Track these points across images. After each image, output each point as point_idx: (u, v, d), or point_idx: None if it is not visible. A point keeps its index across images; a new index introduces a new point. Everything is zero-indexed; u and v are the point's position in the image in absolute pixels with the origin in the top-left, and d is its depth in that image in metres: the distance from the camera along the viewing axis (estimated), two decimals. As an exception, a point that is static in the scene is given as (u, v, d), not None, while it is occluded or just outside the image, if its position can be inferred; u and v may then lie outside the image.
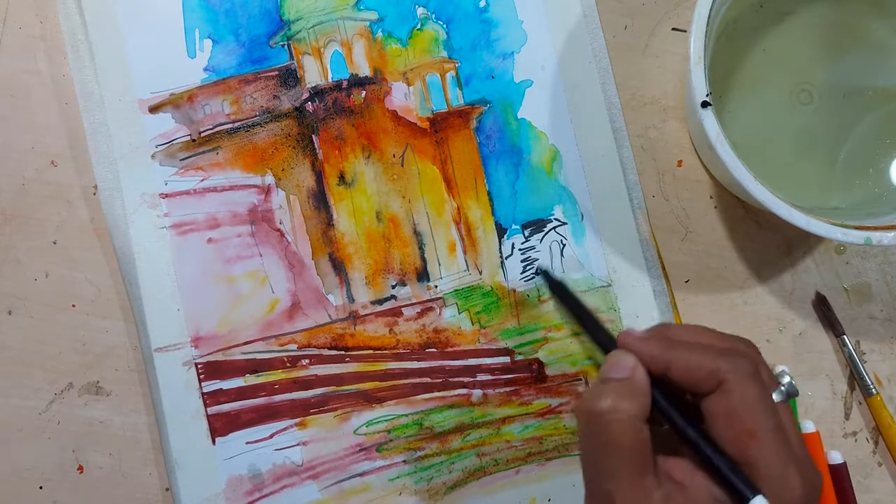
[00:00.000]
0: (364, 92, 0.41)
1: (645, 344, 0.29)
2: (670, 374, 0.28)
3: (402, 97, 0.41)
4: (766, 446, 0.27)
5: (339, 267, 0.40)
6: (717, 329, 0.40)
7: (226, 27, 0.40)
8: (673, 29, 0.42)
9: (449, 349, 0.40)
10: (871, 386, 0.41)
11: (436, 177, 0.41)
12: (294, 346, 0.40)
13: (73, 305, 0.40)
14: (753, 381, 0.27)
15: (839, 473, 0.40)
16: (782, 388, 0.29)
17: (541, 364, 0.40)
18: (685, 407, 0.29)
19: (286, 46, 0.40)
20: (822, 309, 0.42)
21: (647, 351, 0.29)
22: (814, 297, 0.42)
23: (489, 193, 0.41)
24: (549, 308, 0.41)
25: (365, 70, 0.41)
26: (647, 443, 0.27)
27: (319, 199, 0.40)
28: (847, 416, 0.42)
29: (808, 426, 0.40)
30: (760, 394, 0.27)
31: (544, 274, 0.36)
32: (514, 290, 0.40)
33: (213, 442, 0.39)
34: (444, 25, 0.41)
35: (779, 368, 0.41)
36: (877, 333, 0.42)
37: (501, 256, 0.41)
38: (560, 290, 0.36)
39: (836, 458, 0.40)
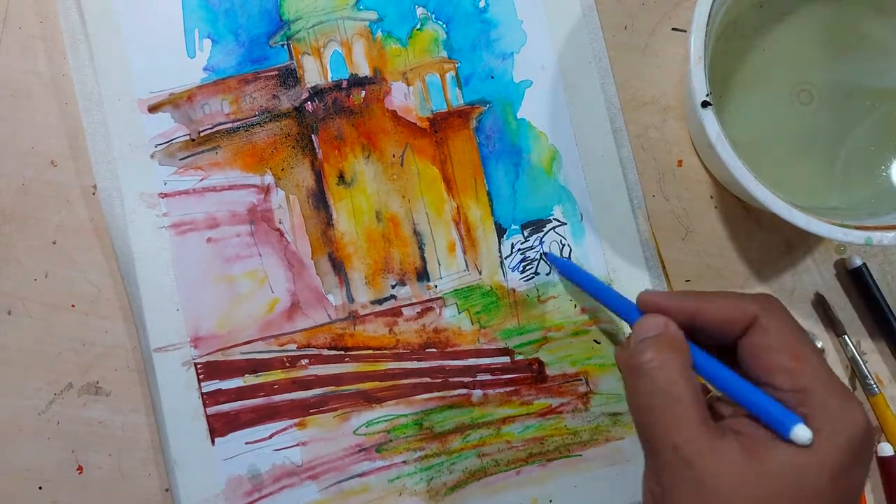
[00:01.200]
0: (364, 92, 0.41)
1: (668, 298, 0.30)
2: (699, 322, 0.28)
3: (402, 97, 0.41)
4: (816, 369, 0.26)
5: (338, 267, 0.40)
6: None
7: (225, 27, 0.40)
8: (673, 29, 0.42)
9: (449, 349, 0.40)
10: (874, 385, 0.41)
11: (435, 177, 0.41)
12: (293, 346, 0.40)
13: (73, 305, 0.40)
14: (786, 316, 0.28)
15: (891, 466, 0.40)
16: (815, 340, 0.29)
17: (541, 364, 0.40)
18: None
19: (286, 46, 0.40)
20: (823, 309, 0.42)
21: (673, 304, 0.29)
22: (813, 297, 0.42)
23: (489, 193, 0.41)
24: (550, 308, 0.41)
25: (365, 70, 0.41)
26: (699, 392, 0.27)
27: (319, 199, 0.40)
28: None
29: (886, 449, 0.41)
30: (795, 326, 0.27)
31: (549, 256, 0.37)
32: (514, 290, 0.40)
33: (213, 442, 0.39)
34: (444, 25, 0.41)
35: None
36: (878, 333, 0.42)
37: (501, 256, 0.41)
38: (569, 270, 0.37)
39: (886, 450, 0.40)
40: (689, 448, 0.26)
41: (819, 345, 0.30)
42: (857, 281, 0.41)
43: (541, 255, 0.40)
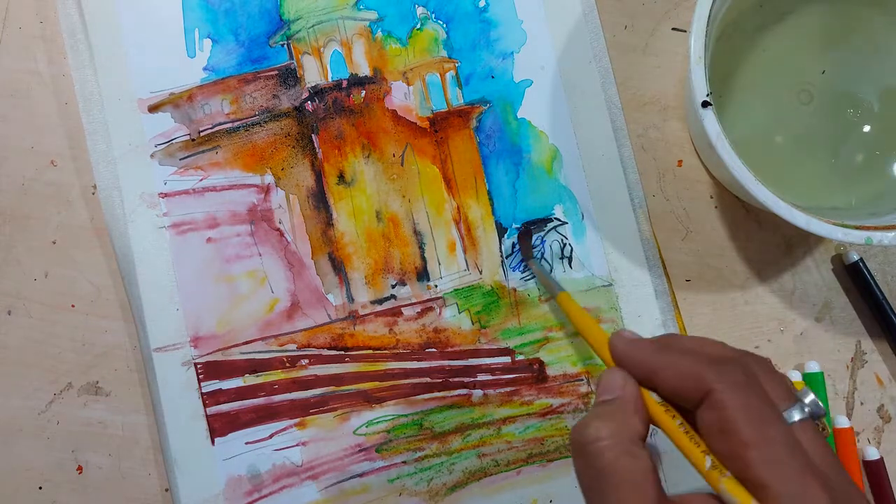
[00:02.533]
0: (364, 91, 0.41)
1: (633, 347, 0.27)
2: (658, 383, 0.26)
3: (402, 97, 0.41)
4: (772, 459, 0.23)
5: (338, 266, 0.40)
6: (718, 331, 0.39)
7: (225, 27, 0.40)
8: (673, 29, 0.42)
9: (449, 349, 0.40)
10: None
11: (436, 176, 0.41)
12: (293, 346, 0.40)
13: (73, 305, 0.40)
14: (746, 390, 0.24)
15: (876, 470, 0.40)
16: (805, 407, 0.25)
17: (542, 364, 0.40)
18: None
19: (286, 46, 0.40)
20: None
21: (634, 355, 0.27)
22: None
23: (489, 193, 0.41)
24: (550, 307, 0.40)
25: (365, 70, 0.41)
26: (648, 471, 0.24)
27: (319, 199, 0.40)
28: (850, 417, 0.41)
29: (842, 421, 0.40)
30: (756, 403, 0.24)
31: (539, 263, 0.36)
32: (515, 290, 0.40)
33: (213, 442, 0.39)
34: (444, 25, 0.41)
35: (803, 387, 0.40)
36: (877, 333, 0.42)
37: (502, 256, 0.40)
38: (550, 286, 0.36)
39: (872, 454, 0.40)
40: None
41: (811, 398, 0.25)
42: (856, 278, 0.41)
43: (537, 256, 0.40)
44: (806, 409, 0.25)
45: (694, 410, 0.25)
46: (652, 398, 0.27)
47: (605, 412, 0.26)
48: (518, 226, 0.40)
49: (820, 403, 0.26)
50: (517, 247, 0.40)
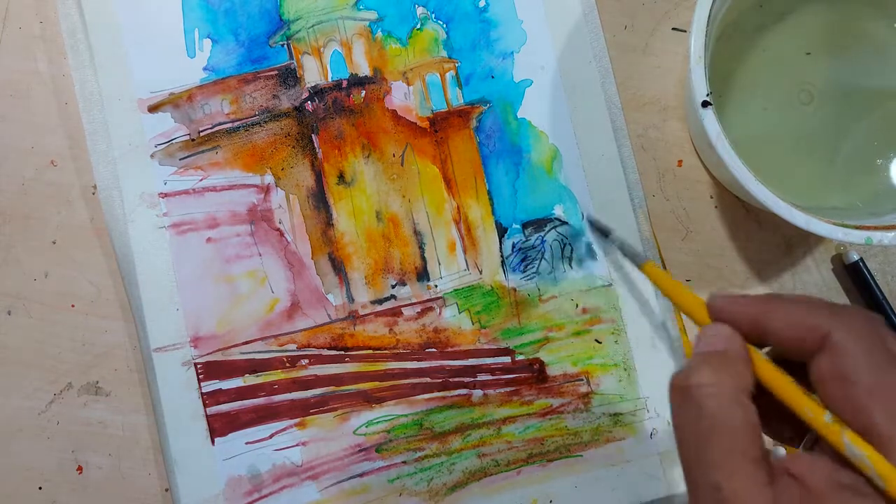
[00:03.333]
0: (364, 91, 0.41)
1: (734, 302, 0.26)
2: (768, 336, 0.25)
3: (402, 97, 0.41)
4: (894, 409, 0.21)
5: (338, 266, 0.40)
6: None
7: (225, 27, 0.40)
8: (673, 29, 0.42)
9: (449, 349, 0.40)
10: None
11: (436, 176, 0.41)
12: (293, 346, 0.40)
13: (73, 305, 0.40)
14: (868, 337, 0.23)
15: None
16: None
17: (542, 364, 0.40)
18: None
19: (286, 46, 0.40)
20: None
21: (740, 309, 0.25)
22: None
23: (489, 193, 0.41)
24: (550, 307, 0.40)
25: (365, 70, 0.41)
26: (754, 425, 0.23)
27: (319, 199, 0.40)
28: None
29: None
30: (880, 351, 0.22)
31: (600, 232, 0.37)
32: (515, 290, 0.40)
33: (213, 442, 0.39)
34: (444, 25, 0.41)
35: None
36: (878, 333, 0.42)
37: (502, 256, 0.40)
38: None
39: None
40: (732, 490, 0.22)
41: None
42: (856, 278, 0.41)
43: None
44: None
45: (806, 360, 0.24)
46: (758, 353, 0.25)
47: (712, 359, 0.24)
48: (587, 218, 0.40)
49: None
50: (593, 232, 0.40)
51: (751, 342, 0.26)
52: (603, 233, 0.40)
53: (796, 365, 0.25)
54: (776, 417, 0.26)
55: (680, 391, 0.24)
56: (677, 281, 0.32)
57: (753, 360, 0.25)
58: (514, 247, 0.41)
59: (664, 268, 0.41)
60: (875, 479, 0.22)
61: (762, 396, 0.25)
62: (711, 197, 0.42)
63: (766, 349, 0.26)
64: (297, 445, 0.39)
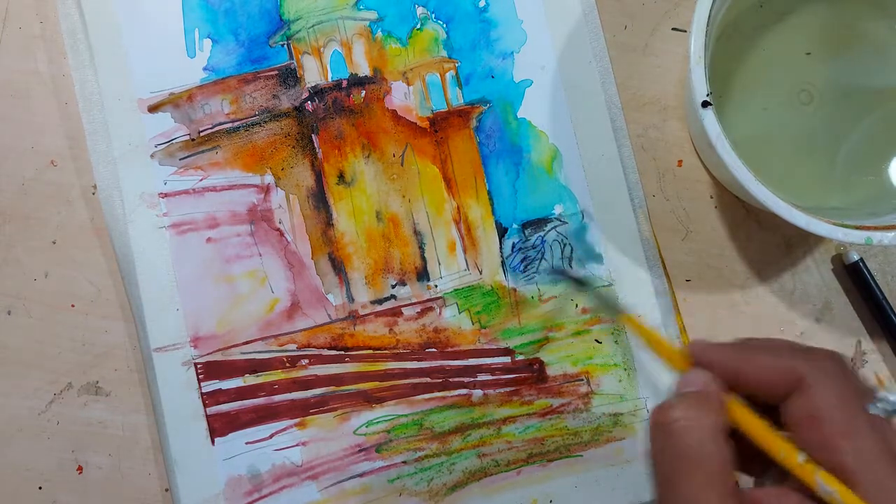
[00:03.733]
0: (364, 91, 0.41)
1: (714, 349, 0.27)
2: (743, 380, 0.26)
3: (402, 97, 0.41)
4: (863, 448, 0.23)
5: (338, 266, 0.40)
6: (718, 331, 0.39)
7: (225, 27, 0.40)
8: (673, 29, 0.42)
9: (449, 349, 0.40)
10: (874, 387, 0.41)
11: (436, 176, 0.41)
12: (293, 346, 0.40)
13: (73, 305, 0.40)
14: (839, 379, 0.24)
15: None
16: (878, 402, 0.25)
17: (542, 364, 0.40)
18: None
19: (286, 46, 0.40)
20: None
21: (717, 356, 0.27)
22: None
23: (489, 193, 0.41)
24: (550, 307, 0.40)
25: (365, 70, 0.41)
26: (728, 461, 0.24)
27: (319, 199, 0.40)
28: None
29: None
30: (849, 392, 0.24)
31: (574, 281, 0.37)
32: (515, 290, 0.40)
33: (213, 442, 0.39)
34: (444, 25, 0.41)
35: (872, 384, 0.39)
36: (877, 333, 0.42)
37: (502, 256, 0.40)
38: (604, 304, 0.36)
39: None
40: None
41: (885, 394, 0.25)
42: (856, 278, 0.41)
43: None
44: (880, 406, 0.25)
45: (779, 402, 0.25)
46: (734, 398, 0.26)
47: (691, 398, 0.26)
48: (556, 267, 0.40)
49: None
50: (570, 285, 0.40)
51: (729, 386, 0.27)
52: (577, 283, 0.40)
53: (764, 409, 0.26)
54: (747, 456, 0.27)
55: (660, 425, 0.25)
56: (656, 333, 0.33)
57: (729, 405, 0.26)
58: (514, 247, 0.41)
59: (664, 268, 0.41)
60: None
61: (734, 437, 0.26)
62: (711, 197, 0.42)
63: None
64: (297, 445, 0.39)
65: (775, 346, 0.26)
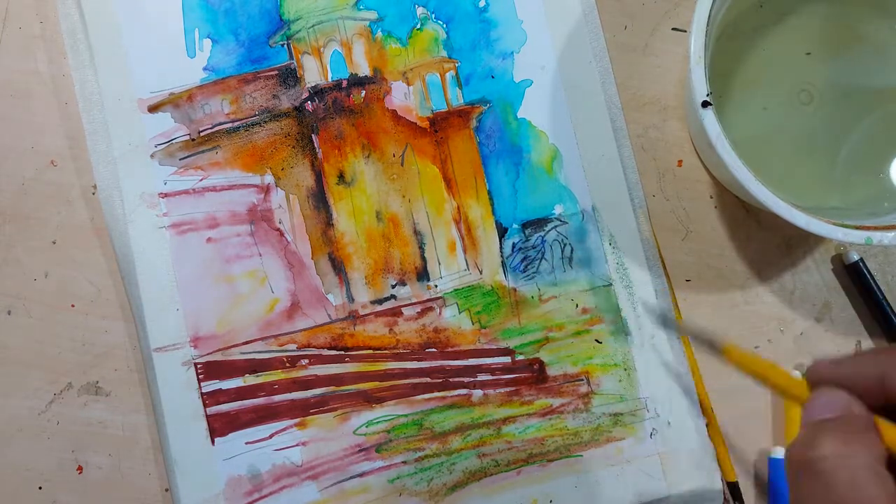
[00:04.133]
0: (364, 91, 0.41)
1: (843, 364, 0.23)
2: (891, 389, 0.22)
3: (402, 97, 0.41)
4: None
5: (338, 266, 0.40)
6: (719, 331, 0.38)
7: (225, 27, 0.40)
8: (673, 29, 0.42)
9: (449, 349, 0.40)
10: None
11: (436, 176, 0.41)
12: (293, 346, 0.40)
13: (73, 305, 0.40)
14: None
15: None
16: None
17: (542, 364, 0.40)
18: None
19: (286, 46, 0.40)
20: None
21: (849, 369, 0.23)
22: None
23: (489, 193, 0.41)
24: (551, 307, 0.40)
25: (365, 70, 0.41)
26: (894, 496, 0.20)
27: (319, 199, 0.40)
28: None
29: None
30: None
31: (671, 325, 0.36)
32: (515, 290, 0.40)
33: (213, 442, 0.39)
34: (444, 25, 0.41)
35: None
36: (877, 333, 0.42)
37: (502, 256, 0.40)
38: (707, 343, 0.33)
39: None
40: None
41: None
42: (856, 277, 0.41)
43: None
44: None
45: None
46: (882, 420, 0.23)
47: (835, 426, 0.22)
48: (654, 313, 0.40)
49: None
50: (667, 327, 0.39)
51: (873, 399, 0.23)
52: (670, 325, 0.39)
53: None
54: None
55: (801, 465, 0.22)
56: (767, 360, 0.29)
57: (881, 427, 0.23)
58: (514, 247, 0.41)
59: (664, 268, 0.41)
60: None
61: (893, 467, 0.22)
62: (711, 197, 0.42)
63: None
64: (297, 445, 0.39)
65: None
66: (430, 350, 0.40)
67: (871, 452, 0.21)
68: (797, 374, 0.40)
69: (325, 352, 0.40)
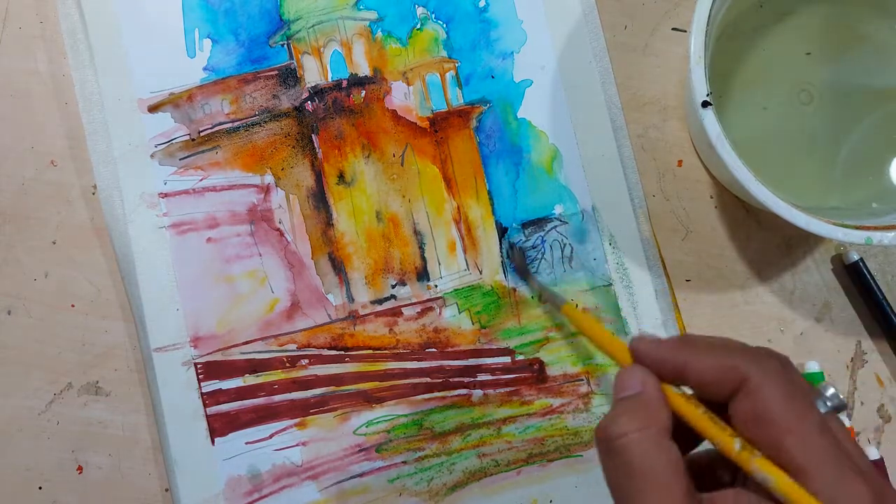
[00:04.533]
0: (364, 91, 0.41)
1: (655, 347, 0.27)
2: (686, 379, 0.26)
3: (402, 97, 0.41)
4: (811, 445, 0.23)
5: (338, 266, 0.40)
6: (718, 331, 0.39)
7: (225, 27, 0.40)
8: (673, 29, 0.42)
9: (449, 349, 0.40)
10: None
11: (436, 176, 0.41)
12: (293, 346, 0.40)
13: (73, 305, 0.40)
14: (782, 377, 0.24)
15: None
16: (826, 400, 0.25)
17: (542, 364, 0.40)
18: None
19: (286, 46, 0.40)
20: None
21: (658, 354, 0.26)
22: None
23: (489, 193, 0.41)
24: (551, 308, 0.40)
25: (365, 70, 0.41)
26: (678, 464, 0.24)
27: (319, 199, 0.40)
28: (850, 417, 0.41)
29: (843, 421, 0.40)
30: (793, 389, 0.24)
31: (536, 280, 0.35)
32: (515, 290, 0.40)
33: (213, 442, 0.39)
34: (444, 25, 0.41)
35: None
36: (877, 333, 0.42)
37: (502, 256, 0.40)
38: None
39: (872, 454, 0.40)
40: None
41: (832, 391, 0.25)
42: (856, 277, 0.41)
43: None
44: (828, 403, 0.25)
45: (724, 402, 0.25)
46: (672, 390, 0.26)
47: (628, 407, 0.25)
48: (512, 240, 0.40)
49: (841, 397, 0.26)
50: (512, 264, 0.40)
51: (673, 384, 0.26)
52: (520, 273, 0.40)
53: (718, 407, 0.26)
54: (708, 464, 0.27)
55: (604, 444, 0.25)
56: (599, 323, 0.32)
57: (668, 397, 0.26)
58: (508, 255, 0.41)
59: (664, 268, 0.41)
60: (782, 498, 0.23)
61: (684, 437, 0.26)
62: (711, 197, 0.42)
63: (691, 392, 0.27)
64: (297, 445, 0.39)
65: (719, 345, 0.26)
66: (430, 350, 0.40)
67: (656, 426, 0.24)
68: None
69: (325, 352, 0.40)
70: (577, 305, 0.36)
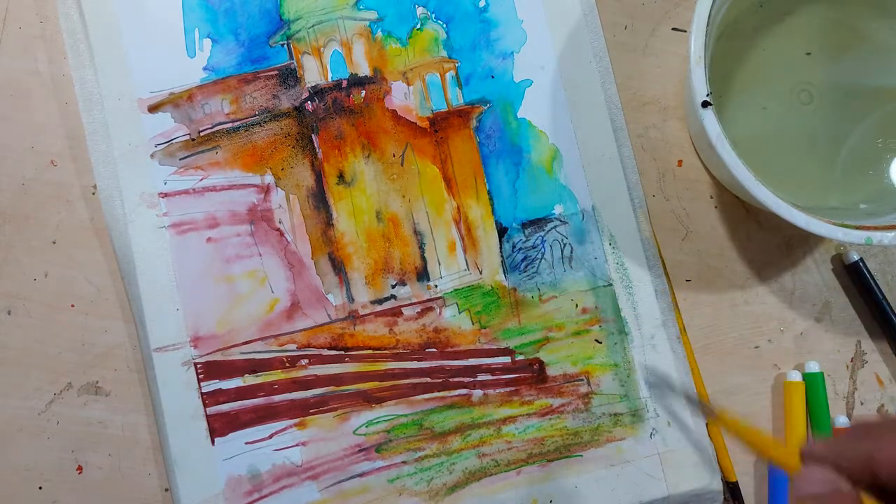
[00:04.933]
0: (364, 91, 0.41)
1: (832, 442, 0.24)
2: (877, 468, 0.23)
3: (402, 97, 0.41)
4: None
5: (338, 266, 0.40)
6: (719, 331, 0.39)
7: (225, 27, 0.40)
8: (673, 29, 0.42)
9: (449, 349, 0.40)
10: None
11: (436, 176, 0.41)
12: (293, 346, 0.40)
13: (73, 305, 0.40)
14: None
15: None
16: None
17: (542, 364, 0.40)
18: None
19: (286, 46, 0.40)
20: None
21: (839, 447, 0.24)
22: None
23: (489, 193, 0.41)
24: (550, 308, 0.40)
25: (365, 70, 0.41)
26: None
27: (319, 199, 0.40)
28: (850, 417, 0.41)
29: (842, 421, 0.40)
30: None
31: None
32: (515, 290, 0.40)
33: (213, 442, 0.39)
34: (444, 25, 0.41)
35: None
36: (877, 333, 0.42)
37: (502, 256, 0.40)
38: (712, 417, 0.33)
39: None
40: None
41: None
42: (856, 278, 0.41)
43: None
44: None
45: None
46: (867, 496, 0.24)
47: (825, 503, 0.23)
48: (688, 393, 0.39)
49: None
50: (693, 405, 0.39)
51: (859, 480, 0.24)
52: (668, 387, 0.40)
53: None
54: None
55: None
56: (758, 430, 0.30)
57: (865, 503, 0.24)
58: (514, 247, 0.41)
59: (664, 268, 0.41)
60: None
61: None
62: (711, 197, 0.42)
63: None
64: (297, 445, 0.39)
65: None
66: (430, 350, 0.40)
67: None
68: (797, 375, 0.40)
69: (325, 352, 0.40)
70: (731, 415, 0.34)
